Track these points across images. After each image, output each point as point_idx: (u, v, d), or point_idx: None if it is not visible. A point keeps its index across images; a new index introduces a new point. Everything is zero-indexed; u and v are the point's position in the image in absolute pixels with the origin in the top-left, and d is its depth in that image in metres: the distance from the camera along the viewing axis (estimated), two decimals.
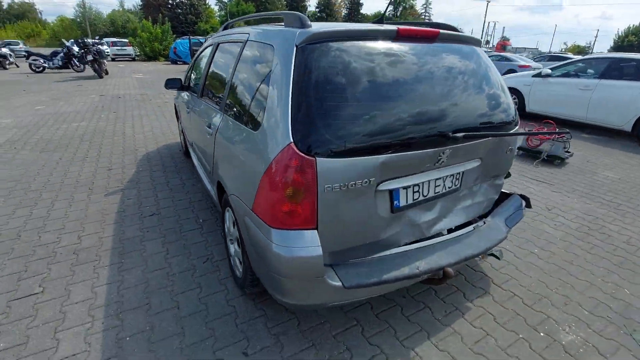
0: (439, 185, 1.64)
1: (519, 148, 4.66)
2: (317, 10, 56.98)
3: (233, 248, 1.98)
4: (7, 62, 15.18)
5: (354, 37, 1.45)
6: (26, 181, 3.37)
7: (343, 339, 1.67)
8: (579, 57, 7.87)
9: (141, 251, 2.31)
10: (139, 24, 29.23)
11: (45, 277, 2.04)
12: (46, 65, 13.35)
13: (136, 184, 3.38)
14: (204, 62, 2.82)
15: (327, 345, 1.64)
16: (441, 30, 1.65)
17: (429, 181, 1.59)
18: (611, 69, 5.64)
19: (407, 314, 1.84)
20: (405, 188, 1.52)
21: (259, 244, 1.43)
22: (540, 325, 1.79)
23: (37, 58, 13.45)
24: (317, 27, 1.44)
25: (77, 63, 13.16)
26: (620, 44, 47.76)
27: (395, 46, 1.52)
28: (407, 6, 62.00)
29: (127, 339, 1.64)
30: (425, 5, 66.36)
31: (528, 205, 2.08)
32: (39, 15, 60.55)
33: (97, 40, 13.83)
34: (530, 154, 4.53)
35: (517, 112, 1.95)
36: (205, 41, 4.47)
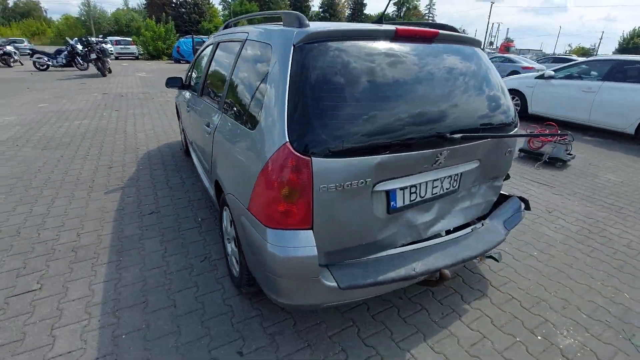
0: (436, 187, 1.64)
1: (521, 150, 4.64)
2: (320, 10, 56.99)
3: (230, 247, 1.98)
4: (12, 59, 15.29)
5: (352, 37, 1.44)
6: (27, 178, 3.38)
7: (339, 340, 1.67)
8: (583, 59, 7.82)
9: (139, 249, 2.31)
10: (143, 23, 29.35)
11: (43, 274, 2.05)
12: (50, 63, 13.45)
13: (136, 182, 3.39)
14: (204, 61, 2.82)
15: (322, 346, 1.63)
16: (440, 31, 1.64)
17: (426, 182, 1.58)
18: (615, 71, 5.60)
19: (404, 316, 1.83)
20: (402, 189, 1.51)
21: (254, 244, 1.43)
22: (537, 329, 1.78)
23: (41, 56, 13.55)
24: (315, 26, 1.44)
25: (81, 61, 13.25)
26: (626, 46, 47.46)
27: (393, 46, 1.51)
28: (410, 7, 61.91)
29: (123, 336, 1.64)
30: (429, 6, 66.26)
31: (527, 208, 2.07)
32: (44, 13, 61.00)
33: (100, 39, 13.86)
34: (531, 156, 4.51)
35: (517, 114, 1.94)
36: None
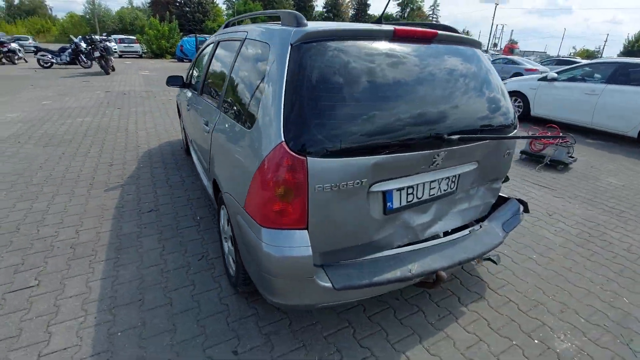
0: (434, 188, 1.63)
1: (522, 152, 4.62)
2: (324, 10, 56.97)
3: (227, 246, 1.98)
4: (16, 57, 15.36)
5: (349, 37, 1.44)
6: (28, 175, 3.40)
7: (334, 341, 1.66)
8: (587, 61, 7.78)
9: (137, 247, 2.32)
10: (147, 22, 29.44)
11: (41, 270, 2.05)
12: (54, 61, 13.51)
13: (136, 180, 3.40)
14: (205, 60, 2.83)
15: (317, 346, 1.63)
16: (439, 32, 1.64)
17: (423, 183, 1.57)
18: (618, 74, 5.57)
19: (400, 317, 1.82)
20: (399, 190, 1.51)
21: (250, 243, 1.43)
22: (534, 332, 1.76)
23: (45, 54, 13.61)
24: (313, 26, 1.44)
25: (85, 59, 13.31)
26: (630, 49, 47.15)
27: (391, 46, 1.50)
28: (414, 7, 61.79)
29: (119, 334, 1.64)
30: (433, 7, 66.13)
31: (526, 210, 2.06)
32: (49, 11, 61.26)
33: (104, 37, 13.93)
34: (533, 159, 4.48)
35: (516, 116, 1.92)
36: None
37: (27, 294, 1.87)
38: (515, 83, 7.13)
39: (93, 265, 2.11)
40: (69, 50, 13.34)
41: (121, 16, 50.39)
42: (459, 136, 1.46)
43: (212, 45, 2.76)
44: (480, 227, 1.86)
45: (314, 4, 54.44)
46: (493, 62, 14.87)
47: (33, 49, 14.98)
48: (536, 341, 1.71)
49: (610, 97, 5.51)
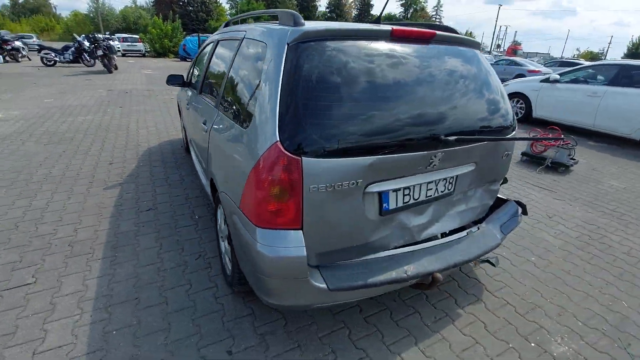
0: (430, 189, 1.62)
1: (523, 154, 4.60)
2: (327, 10, 56.95)
3: (224, 245, 1.98)
4: (20, 55, 15.44)
5: (347, 37, 1.43)
6: (28, 172, 3.41)
7: (329, 342, 1.66)
8: (590, 63, 7.73)
9: (135, 245, 2.32)
10: (150, 21, 29.50)
11: (38, 268, 2.06)
12: (57, 59, 13.56)
13: (135, 178, 3.40)
14: (204, 59, 2.83)
15: (312, 347, 1.62)
16: (438, 32, 1.63)
17: (420, 184, 1.56)
18: (621, 76, 5.53)
19: (396, 319, 1.81)
20: (395, 191, 1.50)
21: (244, 243, 1.42)
22: (531, 336, 1.75)
23: (48, 52, 13.68)
24: (310, 25, 1.43)
25: (88, 58, 13.34)
26: (635, 51, 46.89)
27: (389, 46, 1.49)
28: (417, 8, 61.67)
29: (114, 332, 1.64)
30: (436, 8, 65.98)
31: (524, 212, 2.04)
32: (53, 9, 61.58)
33: (107, 36, 13.97)
34: (534, 160, 4.46)
35: (515, 118, 1.91)
36: None
37: (23, 291, 1.87)
38: (517, 84, 7.10)
39: (90, 263, 2.12)
40: (72, 48, 13.38)
41: (125, 15, 50.58)
42: (456, 137, 1.45)
43: (212, 44, 2.76)
44: (478, 229, 1.85)
45: (317, 4, 54.39)
46: (496, 63, 14.82)
47: (37, 47, 15.05)
48: (533, 344, 1.70)
49: (612, 99, 5.47)
